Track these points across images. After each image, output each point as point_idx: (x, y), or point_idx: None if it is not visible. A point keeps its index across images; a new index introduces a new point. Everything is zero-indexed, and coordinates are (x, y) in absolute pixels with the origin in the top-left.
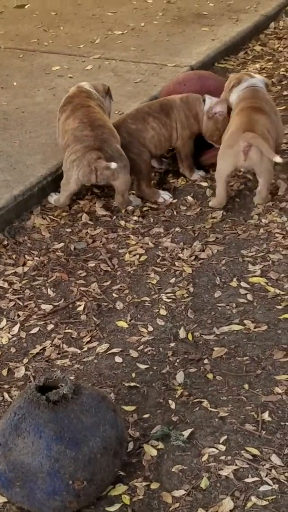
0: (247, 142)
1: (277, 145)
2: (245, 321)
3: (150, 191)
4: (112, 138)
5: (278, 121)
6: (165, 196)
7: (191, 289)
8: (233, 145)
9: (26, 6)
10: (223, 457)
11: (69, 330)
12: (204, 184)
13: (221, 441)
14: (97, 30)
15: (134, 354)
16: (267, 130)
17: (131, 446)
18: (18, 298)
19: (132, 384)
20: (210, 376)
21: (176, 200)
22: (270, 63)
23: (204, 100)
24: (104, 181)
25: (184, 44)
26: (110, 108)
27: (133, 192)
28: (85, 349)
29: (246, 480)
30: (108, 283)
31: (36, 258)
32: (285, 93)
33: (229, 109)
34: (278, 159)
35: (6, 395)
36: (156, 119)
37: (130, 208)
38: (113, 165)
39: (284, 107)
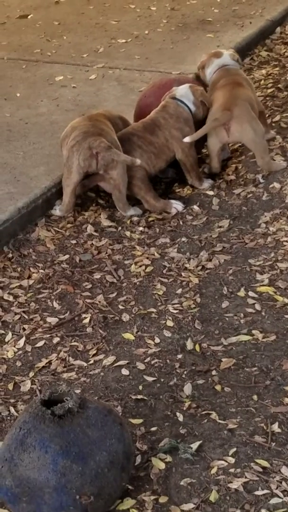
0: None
1: (261, 112)
2: (253, 331)
3: (161, 204)
4: (109, 130)
5: (253, 91)
6: (177, 206)
7: (198, 300)
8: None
9: (29, 17)
10: (232, 470)
11: (75, 343)
12: (211, 193)
13: (230, 453)
14: (101, 39)
15: (141, 366)
16: (249, 102)
17: (138, 459)
18: (24, 312)
19: (139, 396)
20: (218, 387)
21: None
22: (277, 69)
23: (176, 98)
24: (103, 168)
25: (189, 51)
26: None
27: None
28: (91, 362)
29: (256, 493)
30: (114, 294)
31: (41, 270)
32: None
33: (204, 86)
34: (187, 139)
35: (12, 409)
36: (140, 138)
37: (135, 218)
38: (138, 161)
39: None
